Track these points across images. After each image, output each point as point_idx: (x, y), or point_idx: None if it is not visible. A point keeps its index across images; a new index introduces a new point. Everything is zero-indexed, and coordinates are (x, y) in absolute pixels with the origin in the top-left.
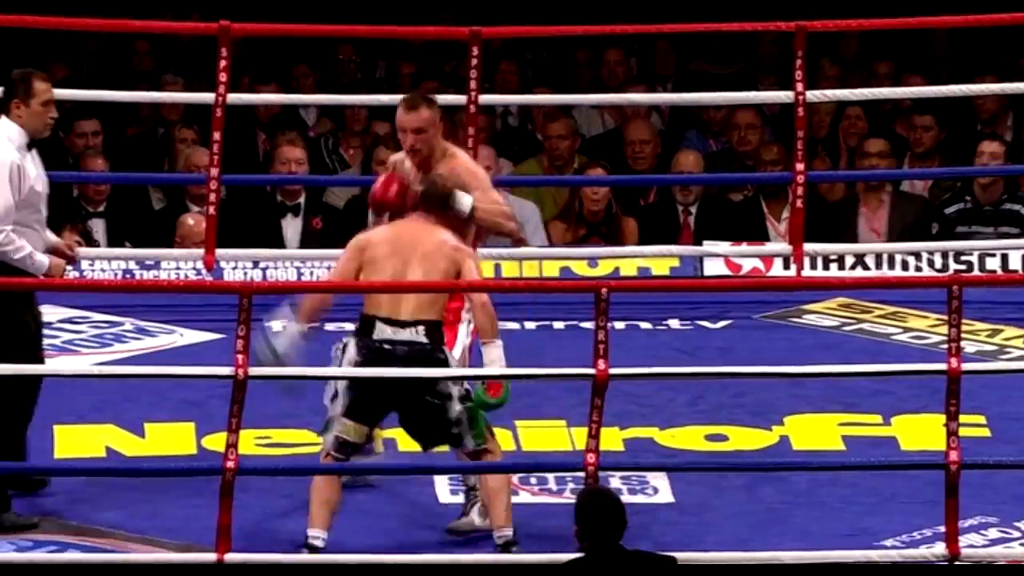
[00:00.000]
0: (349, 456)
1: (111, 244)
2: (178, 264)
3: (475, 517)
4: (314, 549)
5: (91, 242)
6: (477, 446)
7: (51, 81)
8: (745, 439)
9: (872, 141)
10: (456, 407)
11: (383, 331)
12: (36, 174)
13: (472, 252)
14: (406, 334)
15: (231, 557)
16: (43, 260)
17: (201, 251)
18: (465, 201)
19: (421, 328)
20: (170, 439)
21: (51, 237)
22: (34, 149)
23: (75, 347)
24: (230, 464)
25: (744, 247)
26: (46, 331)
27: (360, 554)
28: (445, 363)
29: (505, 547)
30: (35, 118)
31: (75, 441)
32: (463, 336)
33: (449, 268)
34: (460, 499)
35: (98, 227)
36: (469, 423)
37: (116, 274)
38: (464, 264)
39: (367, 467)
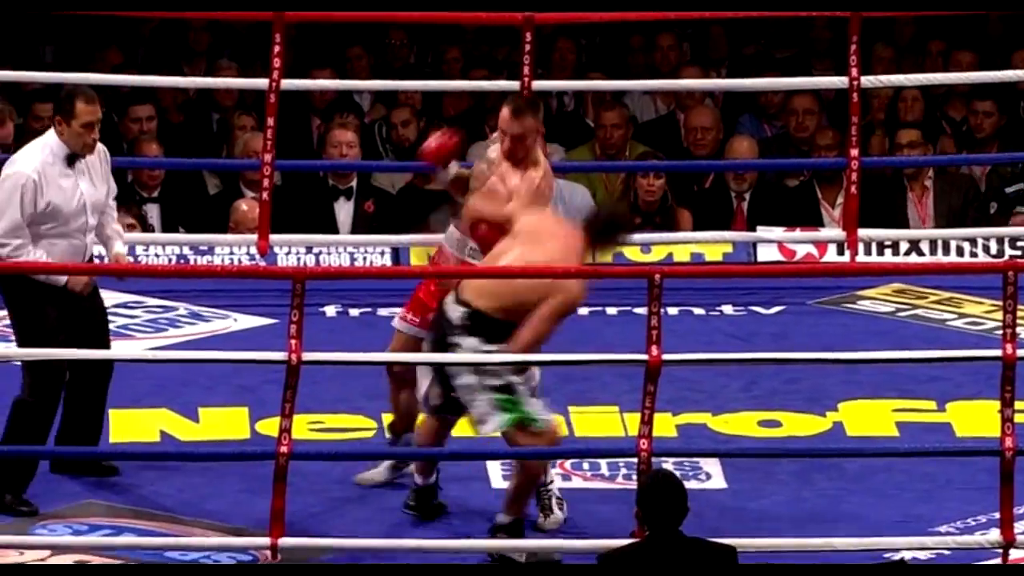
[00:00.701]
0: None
1: (165, 229)
2: (232, 249)
3: (556, 512)
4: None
5: (146, 227)
6: (501, 431)
7: (107, 68)
8: (798, 425)
9: (904, 132)
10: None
11: (449, 302)
12: (71, 186)
13: (577, 289)
14: (454, 312)
15: (284, 541)
16: (58, 275)
17: (255, 236)
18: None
19: (465, 311)
20: (224, 424)
21: (116, 246)
22: (84, 160)
23: (129, 332)
24: (283, 449)
25: (798, 233)
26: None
27: (413, 539)
28: (453, 348)
29: (498, 530)
30: (75, 138)
31: (130, 425)
32: None
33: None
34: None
35: (152, 212)
36: (502, 406)
37: (170, 259)
38: (555, 292)
39: (420, 453)
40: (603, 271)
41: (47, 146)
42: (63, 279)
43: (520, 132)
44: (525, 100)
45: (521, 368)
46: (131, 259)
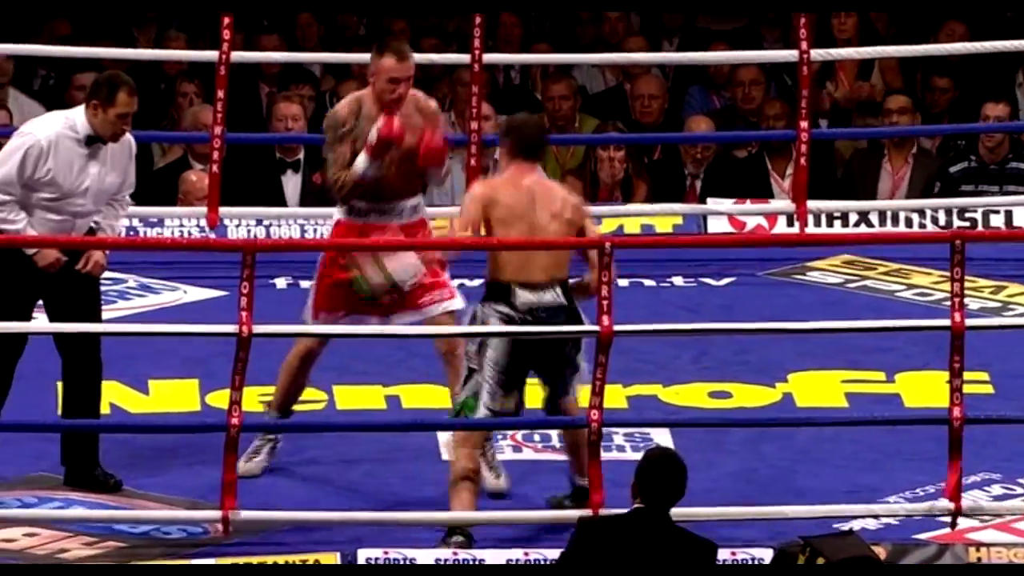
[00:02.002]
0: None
1: None
2: (181, 222)
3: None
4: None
5: None
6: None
7: (55, 38)
8: (749, 396)
9: (894, 97)
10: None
11: (525, 297)
12: (80, 167)
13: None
14: (548, 297)
15: (235, 514)
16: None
17: (204, 209)
18: None
19: (559, 288)
20: (174, 396)
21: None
22: (105, 146)
23: None
24: (234, 421)
25: (748, 204)
26: None
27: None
28: (580, 318)
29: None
30: (107, 125)
31: None
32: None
33: (574, 227)
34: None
35: None
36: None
37: (120, 231)
38: (586, 223)
39: (374, 425)
40: (554, 242)
41: (70, 120)
42: (33, 249)
43: (410, 74)
44: (402, 41)
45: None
46: None
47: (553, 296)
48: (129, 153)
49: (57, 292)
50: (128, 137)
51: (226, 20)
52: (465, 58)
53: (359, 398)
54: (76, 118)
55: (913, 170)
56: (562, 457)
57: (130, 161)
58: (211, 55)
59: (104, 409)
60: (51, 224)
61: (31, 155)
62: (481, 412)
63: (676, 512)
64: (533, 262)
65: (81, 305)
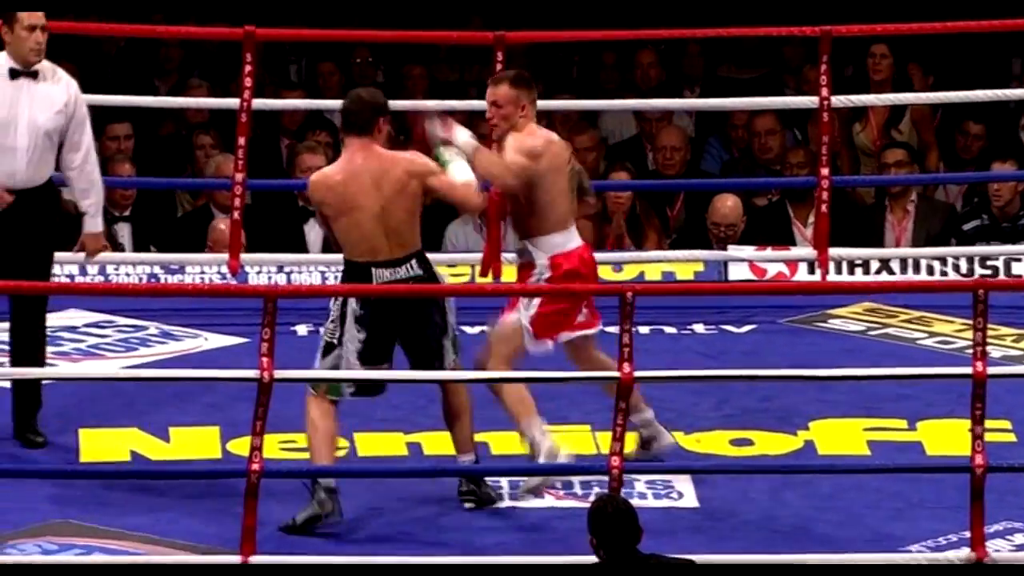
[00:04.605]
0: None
1: (137, 249)
2: (203, 268)
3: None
4: (330, 490)
5: (117, 246)
6: (454, 364)
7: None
8: (770, 444)
9: (891, 151)
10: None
11: (381, 275)
12: (5, 100)
13: (414, 152)
14: (403, 271)
15: (256, 559)
16: None
17: (226, 255)
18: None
19: (414, 261)
20: (195, 443)
21: (87, 223)
22: (34, 81)
23: (100, 351)
24: (255, 467)
25: (769, 251)
26: (72, 335)
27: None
28: (439, 281)
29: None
30: (20, 44)
31: (100, 445)
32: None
33: (416, 185)
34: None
35: (124, 231)
36: (453, 346)
37: (141, 278)
38: (423, 168)
39: (390, 471)
40: (575, 288)
41: None
42: None
43: (493, 98)
44: (511, 71)
45: None
46: (102, 278)
47: (407, 270)
48: (69, 96)
49: (9, 245)
50: (68, 81)
51: (247, 67)
52: (484, 104)
53: (380, 445)
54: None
55: (916, 220)
56: (583, 505)
57: (74, 107)
58: (233, 102)
59: (125, 456)
60: None
61: None
62: (345, 391)
63: (699, 559)
64: (384, 240)
65: (31, 253)
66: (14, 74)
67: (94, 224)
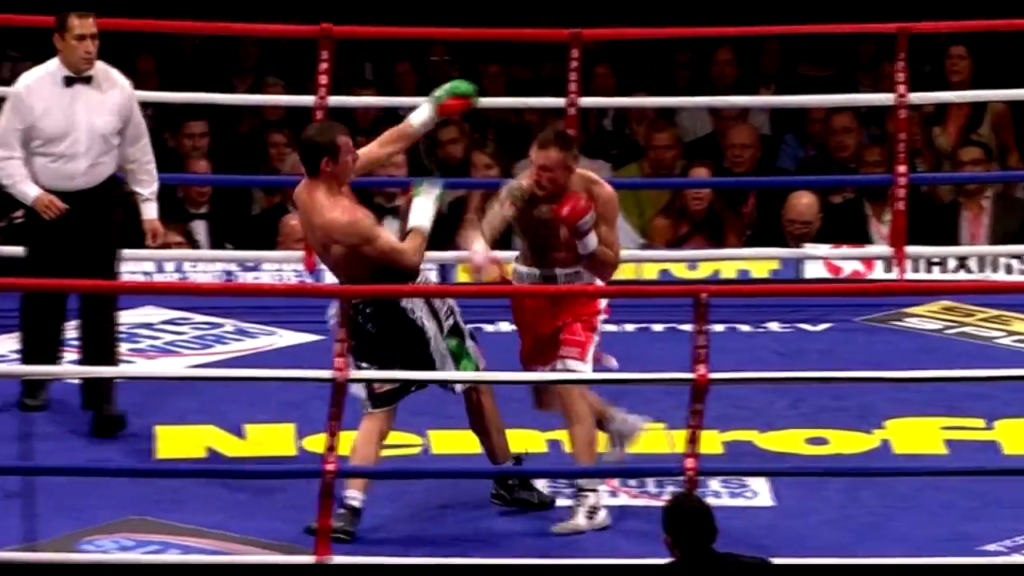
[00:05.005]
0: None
1: (213, 246)
2: (279, 266)
3: (581, 519)
4: (355, 511)
5: (193, 244)
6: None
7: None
8: (846, 443)
9: (966, 150)
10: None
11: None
12: (63, 107)
13: (354, 218)
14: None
15: (330, 559)
16: (27, 191)
17: (302, 253)
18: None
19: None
20: (270, 440)
21: (145, 209)
22: (88, 86)
23: (176, 348)
24: (330, 467)
25: (844, 249)
26: (148, 332)
27: (460, 558)
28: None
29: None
30: (71, 52)
31: (176, 442)
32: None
33: (340, 249)
34: (567, 501)
35: (200, 229)
36: (454, 360)
37: (217, 276)
38: (353, 238)
39: (464, 471)
40: (650, 290)
41: (50, 66)
42: (32, 194)
43: (543, 163)
44: (555, 132)
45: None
46: (179, 276)
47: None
48: (124, 97)
49: (74, 243)
50: (123, 80)
51: (323, 66)
52: (560, 101)
53: (454, 442)
54: (50, 64)
55: (993, 217)
56: (657, 504)
57: (131, 107)
58: (308, 100)
59: (200, 453)
60: (53, 171)
61: (14, 105)
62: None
63: (776, 560)
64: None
65: (96, 251)
66: (69, 81)
67: (153, 209)
